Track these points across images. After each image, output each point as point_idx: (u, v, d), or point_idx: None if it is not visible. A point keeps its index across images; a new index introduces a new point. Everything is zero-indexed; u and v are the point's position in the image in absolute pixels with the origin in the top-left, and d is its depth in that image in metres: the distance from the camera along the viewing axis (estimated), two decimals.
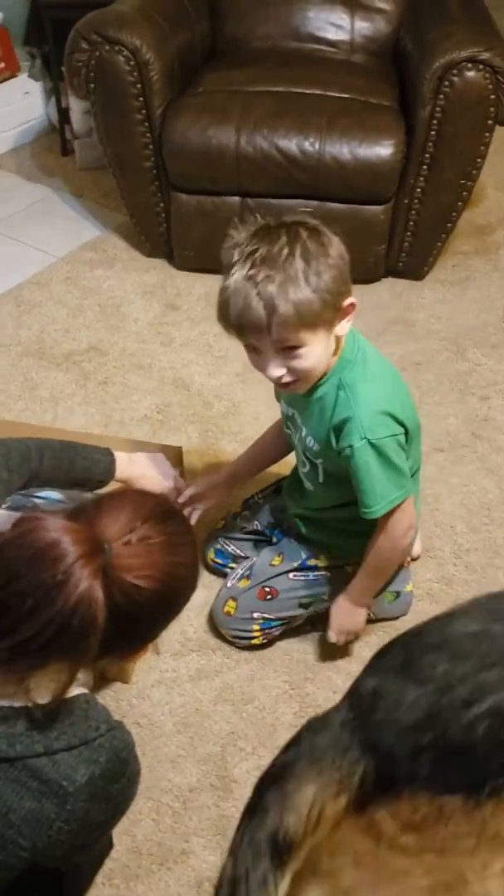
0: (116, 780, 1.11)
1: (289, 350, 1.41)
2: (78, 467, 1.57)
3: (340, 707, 0.97)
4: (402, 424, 1.52)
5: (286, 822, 0.92)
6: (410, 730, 0.92)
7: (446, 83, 2.49)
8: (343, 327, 1.45)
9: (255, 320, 1.35)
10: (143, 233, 3.00)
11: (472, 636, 0.97)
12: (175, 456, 1.93)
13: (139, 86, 2.64)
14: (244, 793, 1.59)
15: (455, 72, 2.47)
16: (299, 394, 1.55)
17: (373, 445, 1.47)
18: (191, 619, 1.90)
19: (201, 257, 2.91)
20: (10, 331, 2.74)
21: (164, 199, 2.86)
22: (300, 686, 1.78)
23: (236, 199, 2.76)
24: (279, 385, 1.49)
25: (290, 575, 1.80)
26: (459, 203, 2.73)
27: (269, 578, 1.80)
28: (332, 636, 1.75)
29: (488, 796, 0.91)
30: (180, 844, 1.55)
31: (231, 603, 1.82)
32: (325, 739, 0.94)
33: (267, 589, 1.79)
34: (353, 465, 1.50)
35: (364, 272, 2.85)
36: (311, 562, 1.80)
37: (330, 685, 1.77)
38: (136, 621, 1.10)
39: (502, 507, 2.16)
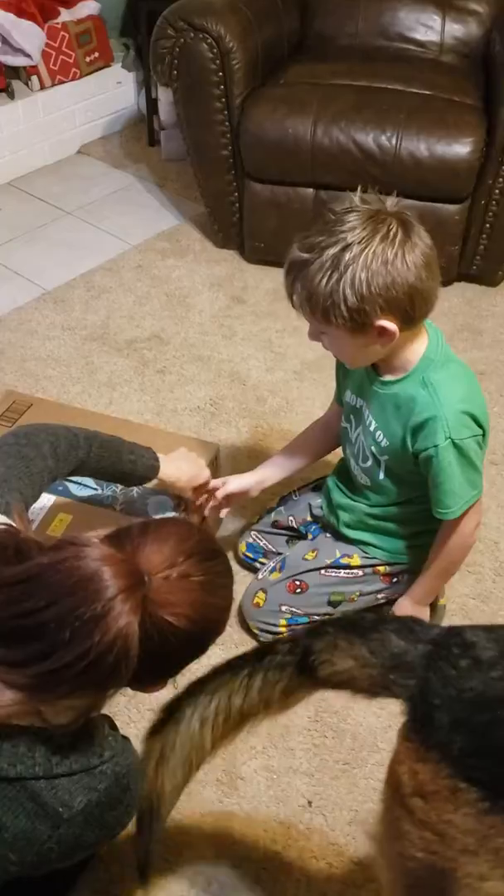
0: (114, 808, 1.08)
1: (318, 335, 1.47)
2: (124, 462, 1.57)
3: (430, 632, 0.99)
4: (481, 426, 1.50)
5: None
6: (467, 702, 0.90)
7: None
8: (377, 347, 1.43)
9: (286, 287, 1.44)
10: (216, 222, 2.99)
11: None
12: (210, 453, 1.91)
13: (221, 74, 2.63)
14: (249, 790, 1.57)
15: None
16: (373, 383, 1.55)
17: (456, 446, 1.46)
18: None
19: (272, 249, 2.88)
20: (78, 314, 2.77)
21: (238, 189, 2.85)
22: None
23: (310, 191, 2.72)
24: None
25: (322, 571, 1.76)
26: None
27: (300, 573, 1.77)
28: None
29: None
30: (181, 837, 1.52)
31: (261, 594, 1.79)
32: (399, 641, 0.99)
33: (297, 582, 1.76)
34: (434, 465, 1.49)
35: None
36: (345, 560, 1.76)
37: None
38: (164, 657, 1.06)
39: None
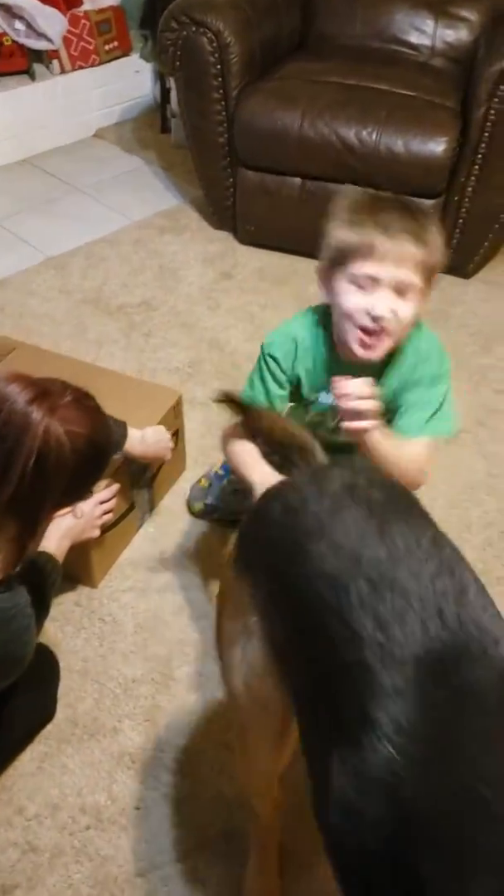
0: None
1: (400, 293, 1.50)
2: None
3: None
4: None
5: None
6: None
7: (501, 87, 2.59)
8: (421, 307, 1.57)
9: (404, 250, 1.46)
10: (212, 205, 3.21)
11: None
12: (172, 399, 2.11)
13: (219, 66, 2.85)
14: (179, 691, 1.78)
15: None
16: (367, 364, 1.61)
17: (446, 376, 1.65)
18: (171, 539, 2.10)
19: (261, 232, 3.10)
20: (76, 280, 3.00)
21: (232, 175, 3.06)
22: None
23: (297, 180, 2.93)
24: (367, 342, 1.55)
25: None
26: None
27: None
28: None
29: None
30: (113, 723, 1.74)
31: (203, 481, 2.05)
32: None
33: None
34: (430, 390, 1.63)
35: None
36: None
37: None
38: (64, 473, 1.26)
39: (485, 489, 2.26)
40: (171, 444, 2.00)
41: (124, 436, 1.83)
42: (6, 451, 1.19)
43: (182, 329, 2.79)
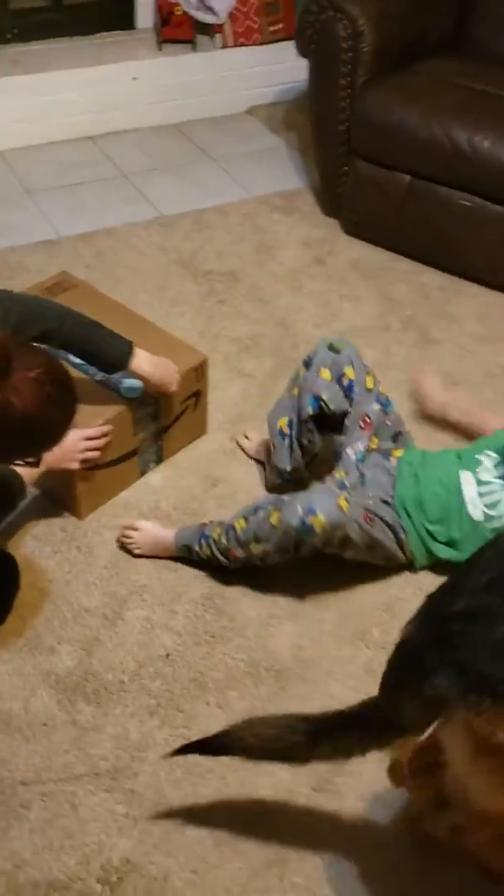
0: None
1: None
2: (92, 344, 1.86)
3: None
4: None
5: None
6: None
7: None
8: None
9: None
10: (325, 191, 3.22)
11: None
12: (195, 360, 2.16)
13: (350, 54, 2.86)
14: (124, 631, 1.84)
15: None
16: None
17: None
18: (172, 494, 2.15)
19: (363, 224, 3.09)
20: (176, 241, 3.10)
21: (347, 163, 3.06)
22: (218, 577, 1.97)
23: (406, 177, 2.90)
24: None
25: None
26: None
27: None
28: None
29: None
30: (52, 643, 1.82)
31: (344, 500, 1.85)
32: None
33: (371, 516, 1.90)
34: None
35: None
36: None
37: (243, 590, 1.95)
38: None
39: None
40: (177, 377, 2.04)
41: (129, 353, 1.89)
42: None
43: (257, 303, 2.83)
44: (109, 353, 1.89)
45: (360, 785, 1.61)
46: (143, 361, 1.94)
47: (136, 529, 1.98)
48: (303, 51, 3.00)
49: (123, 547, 1.99)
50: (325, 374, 2.00)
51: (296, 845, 1.54)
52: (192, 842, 1.52)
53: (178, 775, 1.61)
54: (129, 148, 3.68)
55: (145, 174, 3.51)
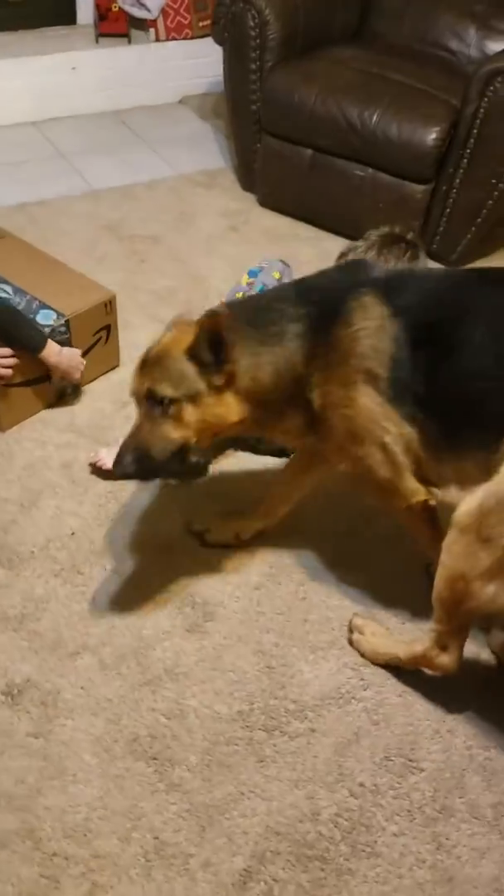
0: None
1: None
2: (12, 327, 2.25)
3: None
4: None
5: None
6: None
7: (491, 88, 2.82)
8: None
9: None
10: (242, 167, 3.57)
11: None
12: (104, 297, 2.49)
13: (258, 41, 3.21)
14: (38, 515, 2.14)
15: (500, 79, 2.80)
16: None
17: None
18: (84, 415, 2.47)
19: (274, 196, 3.44)
20: (105, 210, 3.43)
21: (259, 141, 3.41)
22: None
23: (308, 151, 3.25)
24: None
25: None
26: (490, 201, 3.03)
27: None
28: None
29: None
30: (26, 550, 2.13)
31: None
32: None
33: None
34: None
35: None
36: None
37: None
38: None
39: None
40: (81, 368, 2.39)
41: (43, 343, 2.26)
42: None
43: (175, 263, 3.16)
44: (26, 339, 2.26)
45: (222, 627, 1.94)
46: (53, 353, 2.28)
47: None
48: (218, 39, 3.35)
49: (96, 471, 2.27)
50: (276, 275, 2.44)
51: (169, 670, 1.85)
52: (83, 667, 1.84)
53: (74, 621, 1.93)
54: (68, 132, 4.01)
55: (81, 155, 3.84)
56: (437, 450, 1.71)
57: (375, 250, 2.12)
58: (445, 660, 1.74)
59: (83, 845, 1.57)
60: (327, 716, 1.80)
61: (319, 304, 1.74)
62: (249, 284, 2.46)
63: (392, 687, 1.86)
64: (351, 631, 1.93)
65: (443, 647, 1.73)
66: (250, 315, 1.77)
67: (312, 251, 3.26)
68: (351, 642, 1.92)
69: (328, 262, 2.86)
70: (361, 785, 1.70)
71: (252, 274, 2.50)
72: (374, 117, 3.03)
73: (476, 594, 1.59)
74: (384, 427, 1.70)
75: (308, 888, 1.55)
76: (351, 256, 2.14)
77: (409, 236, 2.20)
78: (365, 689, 1.86)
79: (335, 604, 2.03)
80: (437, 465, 1.73)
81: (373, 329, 1.68)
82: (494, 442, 1.59)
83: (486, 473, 1.57)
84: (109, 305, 2.49)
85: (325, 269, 1.92)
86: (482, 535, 1.54)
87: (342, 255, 2.19)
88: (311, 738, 1.76)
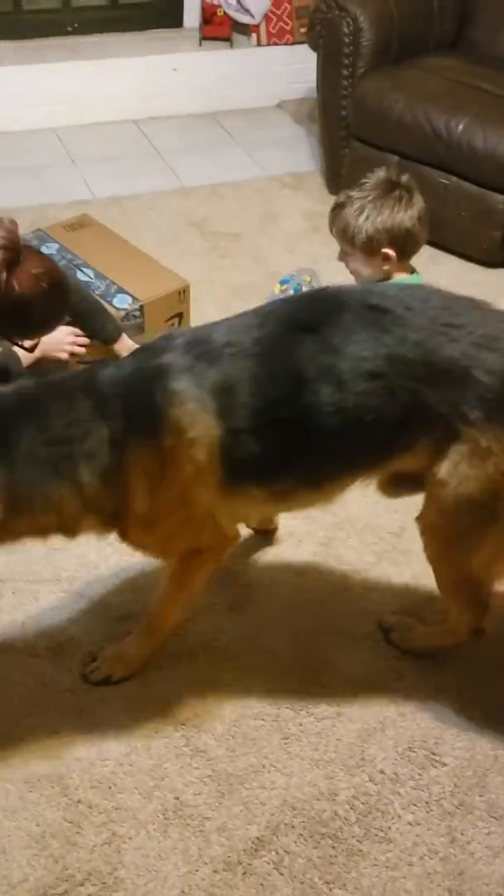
0: None
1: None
2: (91, 321, 2.36)
3: None
4: None
5: None
6: None
7: None
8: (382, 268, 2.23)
9: (329, 222, 2.36)
10: (330, 171, 3.64)
11: None
12: (179, 285, 2.60)
13: (351, 47, 3.28)
14: None
15: None
16: None
17: None
18: None
19: None
20: (192, 206, 3.55)
21: (348, 146, 3.46)
22: None
23: (394, 157, 3.28)
24: None
25: None
26: None
27: None
28: None
29: None
30: None
31: None
32: None
33: None
34: None
35: (478, 252, 3.24)
36: None
37: None
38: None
39: None
40: (66, 345, 2.35)
41: (117, 335, 2.38)
42: None
43: (253, 259, 3.25)
44: (100, 329, 2.36)
45: (263, 609, 2.00)
46: (125, 347, 2.37)
47: None
48: (313, 44, 3.43)
49: None
50: (306, 277, 2.69)
51: (206, 644, 1.92)
52: (125, 632, 1.92)
53: (122, 588, 2.02)
54: (165, 131, 4.15)
55: (176, 153, 3.97)
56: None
57: (373, 197, 2.20)
58: (485, 629, 1.81)
59: (107, 797, 1.65)
60: (355, 702, 1.84)
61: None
62: (283, 291, 2.54)
63: (424, 682, 1.89)
64: (386, 630, 1.97)
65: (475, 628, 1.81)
66: None
67: None
68: (388, 640, 1.95)
69: None
70: (382, 772, 1.73)
71: (284, 282, 2.66)
72: (461, 126, 3.05)
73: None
74: None
75: (318, 863, 1.59)
76: (348, 206, 2.23)
77: (404, 180, 2.26)
78: (397, 681, 1.89)
79: (376, 598, 2.06)
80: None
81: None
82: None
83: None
84: (183, 294, 2.59)
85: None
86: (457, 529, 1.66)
87: (338, 205, 2.29)
88: (336, 721, 1.80)
